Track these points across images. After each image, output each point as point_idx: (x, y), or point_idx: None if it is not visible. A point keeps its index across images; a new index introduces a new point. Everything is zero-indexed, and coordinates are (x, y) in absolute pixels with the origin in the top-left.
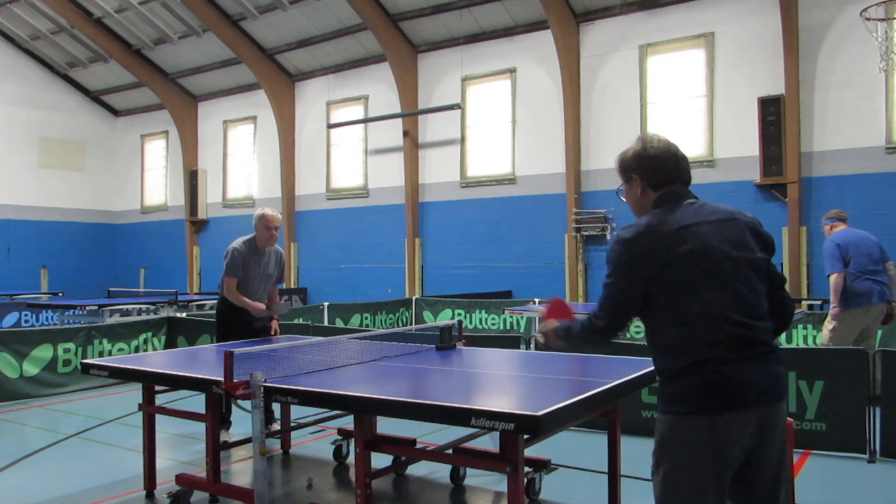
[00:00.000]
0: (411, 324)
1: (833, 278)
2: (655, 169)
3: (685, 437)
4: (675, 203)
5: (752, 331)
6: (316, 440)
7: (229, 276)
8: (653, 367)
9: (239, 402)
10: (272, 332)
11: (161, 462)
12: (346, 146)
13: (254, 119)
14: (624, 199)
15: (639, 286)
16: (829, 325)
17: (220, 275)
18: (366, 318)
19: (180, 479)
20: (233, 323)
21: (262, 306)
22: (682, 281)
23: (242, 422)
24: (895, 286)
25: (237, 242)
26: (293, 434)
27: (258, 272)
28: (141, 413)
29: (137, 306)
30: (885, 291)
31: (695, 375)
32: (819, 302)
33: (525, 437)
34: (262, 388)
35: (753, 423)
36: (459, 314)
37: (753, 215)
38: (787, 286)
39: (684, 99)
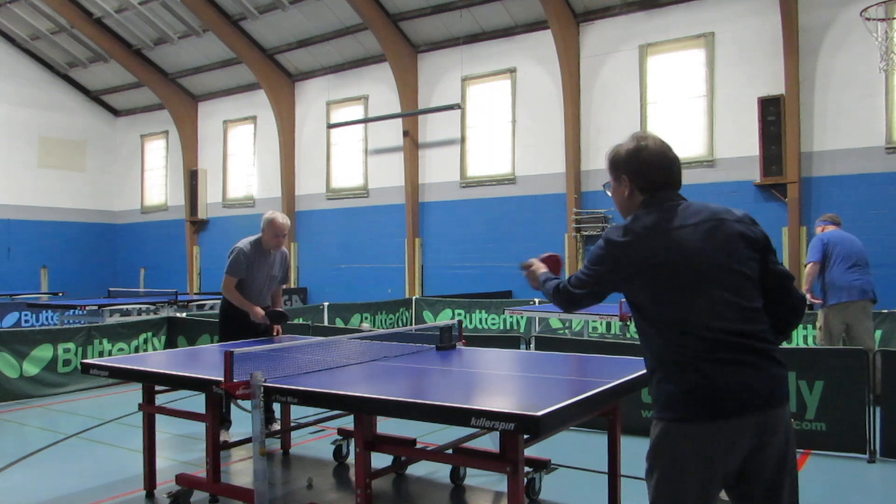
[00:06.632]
0: (411, 324)
1: (808, 268)
2: (646, 173)
3: (677, 444)
4: (660, 206)
5: (742, 336)
6: (316, 440)
7: (230, 274)
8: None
9: (239, 402)
10: (275, 333)
11: (161, 462)
12: (346, 146)
13: (254, 119)
14: (610, 195)
15: (611, 288)
16: (818, 323)
17: (221, 274)
18: (366, 318)
19: (180, 479)
20: (236, 322)
21: (261, 312)
22: (663, 287)
23: (242, 422)
24: None
25: (244, 243)
26: (293, 434)
27: (263, 273)
28: (141, 413)
29: (137, 306)
30: (866, 289)
31: (684, 382)
32: (819, 301)
33: (525, 437)
34: (262, 388)
35: (750, 429)
36: (459, 314)
37: (745, 213)
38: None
39: (684, 99)
